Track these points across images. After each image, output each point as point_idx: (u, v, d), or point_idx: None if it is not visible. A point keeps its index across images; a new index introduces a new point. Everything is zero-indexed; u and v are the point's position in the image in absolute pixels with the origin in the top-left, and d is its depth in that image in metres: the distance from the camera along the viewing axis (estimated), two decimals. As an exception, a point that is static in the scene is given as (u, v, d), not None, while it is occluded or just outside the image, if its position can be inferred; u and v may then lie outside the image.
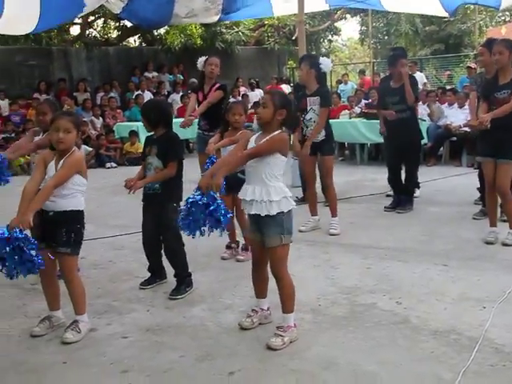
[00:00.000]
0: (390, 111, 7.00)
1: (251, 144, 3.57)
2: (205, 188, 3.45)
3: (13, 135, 12.72)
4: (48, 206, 3.64)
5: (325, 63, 6.02)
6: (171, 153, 4.38)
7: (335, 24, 23.91)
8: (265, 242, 3.52)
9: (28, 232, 3.38)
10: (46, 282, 3.81)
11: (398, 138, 7.00)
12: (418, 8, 11.74)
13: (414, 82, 6.92)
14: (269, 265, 3.63)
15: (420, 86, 13.35)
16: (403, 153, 7.05)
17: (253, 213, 3.49)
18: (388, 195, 7.82)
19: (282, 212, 3.46)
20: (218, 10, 11.12)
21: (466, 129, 10.50)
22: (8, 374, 3.26)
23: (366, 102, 12.18)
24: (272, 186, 3.45)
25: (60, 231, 3.65)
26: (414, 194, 7.43)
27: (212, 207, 3.46)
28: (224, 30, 18.27)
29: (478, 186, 6.85)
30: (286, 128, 3.56)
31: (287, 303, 3.58)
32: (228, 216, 3.54)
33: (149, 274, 4.68)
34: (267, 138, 3.48)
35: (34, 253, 3.33)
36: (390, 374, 3.10)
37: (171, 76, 17.47)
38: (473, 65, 12.76)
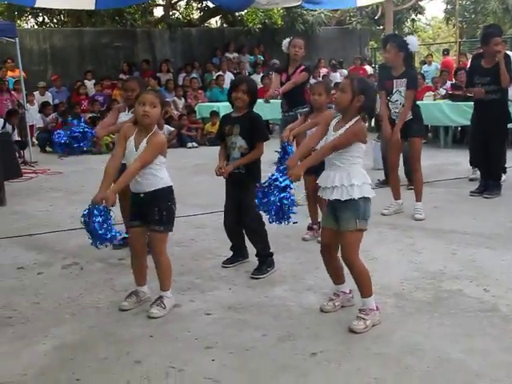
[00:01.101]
0: (479, 89, 6.74)
1: (330, 129, 3.52)
2: (290, 177, 3.45)
3: (98, 115, 13.13)
4: (137, 188, 3.74)
5: (412, 43, 5.84)
6: (259, 133, 4.40)
7: (420, 2, 23.20)
8: (339, 226, 3.48)
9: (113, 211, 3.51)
10: (136, 259, 3.91)
11: (486, 120, 6.75)
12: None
13: (508, 61, 6.62)
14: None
15: None
16: (490, 136, 6.79)
17: (333, 198, 3.45)
18: (471, 179, 7.62)
19: (363, 197, 3.42)
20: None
21: None
22: (99, 344, 3.39)
23: (452, 82, 11.80)
24: (353, 171, 3.42)
25: (152, 210, 3.73)
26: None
27: (284, 194, 3.47)
28: (305, 12, 18.11)
29: None
30: (364, 114, 3.48)
31: (363, 288, 3.53)
32: (291, 211, 3.54)
33: (231, 253, 4.73)
34: (345, 128, 3.42)
35: (108, 227, 3.49)
36: (478, 363, 3.01)
37: (252, 57, 17.52)
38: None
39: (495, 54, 6.52)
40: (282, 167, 3.56)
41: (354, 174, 3.41)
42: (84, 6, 11.46)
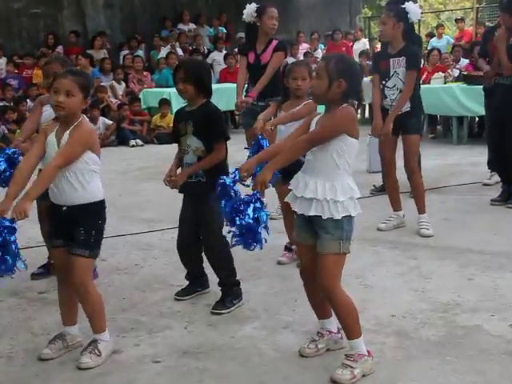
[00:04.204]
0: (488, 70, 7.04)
1: (313, 127, 3.55)
2: (244, 172, 3.54)
3: (11, 104, 12.68)
4: (59, 199, 3.71)
5: (412, 10, 5.95)
6: (217, 131, 4.40)
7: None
8: (318, 247, 3.51)
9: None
10: (63, 287, 3.88)
11: (500, 110, 6.99)
12: None
13: None
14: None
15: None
16: (508, 129, 6.96)
17: (312, 214, 3.47)
18: (485, 184, 7.85)
19: (348, 215, 3.46)
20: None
21: None
22: (12, 405, 3.35)
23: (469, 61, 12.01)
24: (339, 182, 3.44)
25: (77, 229, 3.70)
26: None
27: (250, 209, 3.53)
28: (280, -31, 18.26)
29: None
30: (352, 100, 3.52)
31: (348, 327, 3.54)
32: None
33: (187, 282, 4.73)
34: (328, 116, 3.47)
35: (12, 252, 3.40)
36: (502, 419, 3.06)
37: (211, 29, 17.57)
38: None
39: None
40: (234, 174, 3.63)
41: (340, 187, 3.43)
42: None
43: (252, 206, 3.53)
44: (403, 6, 6.00)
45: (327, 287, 3.51)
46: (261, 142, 4.87)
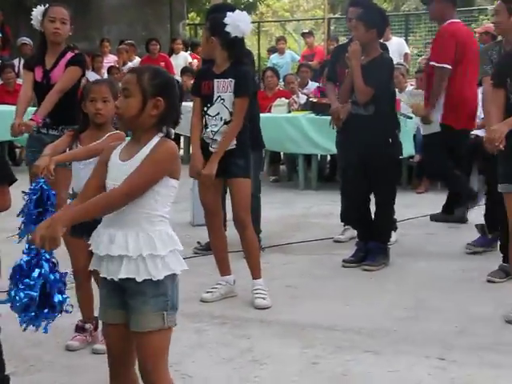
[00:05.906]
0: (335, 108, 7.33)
1: (113, 162, 3.46)
2: (41, 243, 3.27)
3: None
4: None
5: (233, 23, 5.93)
6: None
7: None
8: (132, 324, 3.44)
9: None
10: None
11: (359, 149, 7.11)
12: None
13: (382, 60, 7.12)
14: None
15: (400, 59, 13.57)
16: (367, 172, 7.16)
17: (122, 277, 3.39)
18: (337, 241, 8.08)
19: (171, 274, 3.42)
20: None
21: (479, 132, 10.73)
22: None
23: (318, 85, 12.32)
24: (156, 231, 3.40)
25: None
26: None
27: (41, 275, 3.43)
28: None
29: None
30: (169, 128, 3.49)
31: None
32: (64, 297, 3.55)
33: None
34: (142, 154, 3.38)
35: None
36: None
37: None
38: (489, 27, 13.06)
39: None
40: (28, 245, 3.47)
41: (157, 237, 3.39)
42: None
43: (38, 271, 3.42)
44: (225, 17, 5.95)
45: (150, 375, 3.46)
46: (43, 187, 4.74)
